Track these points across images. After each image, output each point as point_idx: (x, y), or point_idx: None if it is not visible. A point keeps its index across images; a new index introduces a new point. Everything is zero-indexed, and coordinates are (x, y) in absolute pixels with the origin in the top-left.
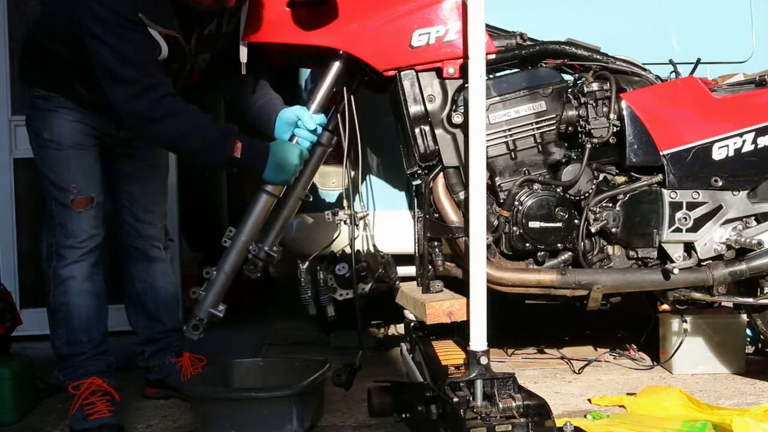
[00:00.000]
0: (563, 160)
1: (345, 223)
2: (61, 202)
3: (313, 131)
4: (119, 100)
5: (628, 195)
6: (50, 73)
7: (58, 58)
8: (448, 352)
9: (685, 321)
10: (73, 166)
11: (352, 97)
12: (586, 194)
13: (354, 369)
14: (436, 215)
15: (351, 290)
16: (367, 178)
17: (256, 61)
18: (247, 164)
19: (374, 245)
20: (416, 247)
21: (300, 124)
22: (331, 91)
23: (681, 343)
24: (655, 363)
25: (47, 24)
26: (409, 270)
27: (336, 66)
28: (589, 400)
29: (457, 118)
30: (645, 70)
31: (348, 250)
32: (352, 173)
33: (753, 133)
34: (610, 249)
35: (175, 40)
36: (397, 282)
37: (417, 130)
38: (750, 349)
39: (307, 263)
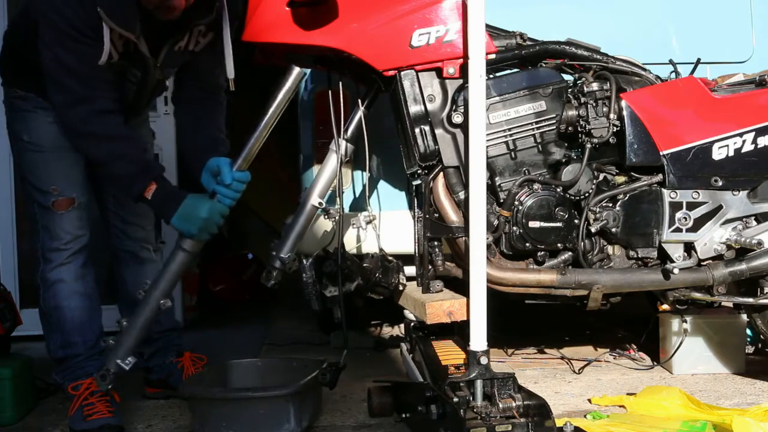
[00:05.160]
0: (563, 160)
1: (333, 220)
2: (43, 204)
3: (228, 186)
4: (56, 106)
5: (628, 195)
6: (27, 74)
7: (33, 58)
8: (448, 352)
9: (685, 321)
10: (52, 168)
11: (363, 107)
12: (586, 194)
13: (339, 368)
14: (436, 215)
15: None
16: (368, 178)
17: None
18: (156, 207)
19: (381, 248)
20: (416, 247)
21: (219, 179)
22: (261, 142)
23: (681, 343)
24: (655, 363)
25: (23, 24)
26: (409, 270)
27: (266, 119)
28: (589, 400)
29: (457, 118)
30: (645, 70)
31: (350, 250)
32: (352, 175)
33: (753, 133)
34: (610, 249)
35: (135, 48)
36: (401, 287)
37: (417, 130)
38: (750, 349)
39: (311, 260)
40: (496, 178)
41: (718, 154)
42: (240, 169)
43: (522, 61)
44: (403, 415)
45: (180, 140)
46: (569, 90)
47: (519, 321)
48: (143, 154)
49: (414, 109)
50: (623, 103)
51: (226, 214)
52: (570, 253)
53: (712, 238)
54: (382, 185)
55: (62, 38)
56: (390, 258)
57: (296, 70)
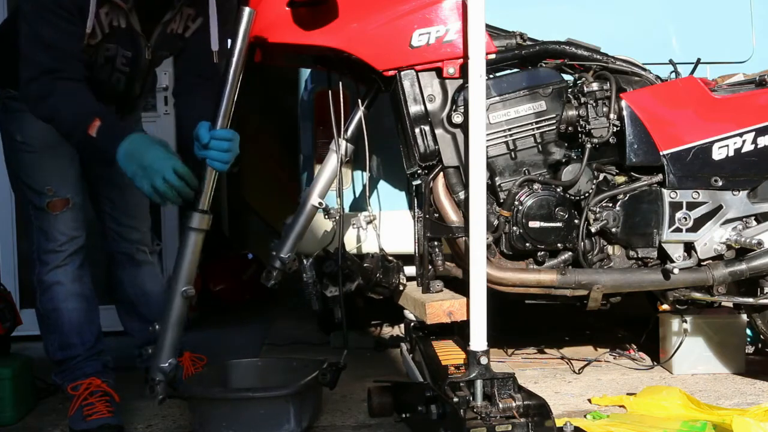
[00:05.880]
0: (563, 160)
1: (333, 220)
2: (37, 205)
3: (206, 146)
4: (21, 81)
5: (628, 195)
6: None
7: None
8: (448, 352)
9: (685, 321)
10: (46, 168)
11: (363, 107)
12: (586, 194)
13: (339, 368)
14: (436, 215)
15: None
16: (368, 178)
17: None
18: (101, 144)
19: (381, 248)
20: (416, 247)
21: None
22: (234, 95)
23: (681, 343)
24: (655, 363)
25: (14, 22)
26: (409, 270)
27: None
28: (589, 400)
29: (457, 118)
30: (645, 70)
31: (351, 250)
32: (352, 175)
33: (753, 133)
34: (610, 249)
35: (128, 25)
36: (401, 287)
37: (417, 130)
38: (750, 349)
39: (311, 260)
40: (496, 178)
41: (718, 154)
42: (222, 128)
43: (522, 61)
44: (403, 415)
45: (179, 131)
46: (569, 90)
47: (519, 321)
48: (95, 101)
49: (414, 109)
50: (623, 103)
51: (180, 171)
52: (570, 253)
53: (712, 238)
54: (382, 185)
55: (43, 12)
56: (390, 258)
57: (246, 10)
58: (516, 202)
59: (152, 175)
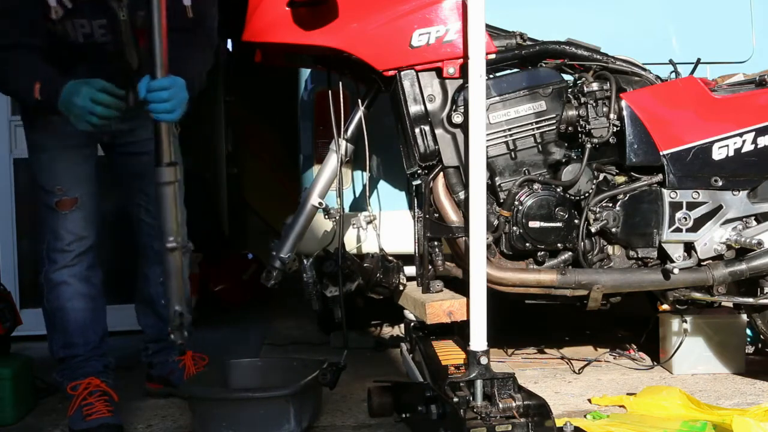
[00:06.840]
0: (563, 160)
1: (333, 220)
2: (47, 204)
3: (144, 100)
4: None
5: (628, 195)
6: None
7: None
8: (448, 352)
9: (685, 321)
10: (57, 167)
11: (363, 107)
12: (586, 194)
13: (339, 368)
14: (436, 215)
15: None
16: (368, 178)
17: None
18: (46, 104)
19: (381, 248)
20: (416, 247)
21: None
22: (164, 39)
23: (681, 343)
24: (655, 363)
25: None
26: (409, 270)
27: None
28: (589, 400)
29: (457, 118)
30: (645, 70)
31: (351, 250)
32: (352, 175)
33: (753, 133)
34: (610, 249)
35: None
36: (401, 287)
37: (417, 130)
38: (750, 349)
39: (311, 260)
40: (496, 178)
41: (718, 154)
42: (160, 78)
43: (522, 61)
44: (403, 415)
45: None
46: (569, 90)
47: (519, 321)
48: (39, 65)
49: (414, 109)
50: (623, 103)
51: (96, 98)
52: (570, 253)
53: (712, 238)
54: (382, 185)
55: None
56: (390, 258)
57: None
58: (516, 202)
59: (81, 109)
